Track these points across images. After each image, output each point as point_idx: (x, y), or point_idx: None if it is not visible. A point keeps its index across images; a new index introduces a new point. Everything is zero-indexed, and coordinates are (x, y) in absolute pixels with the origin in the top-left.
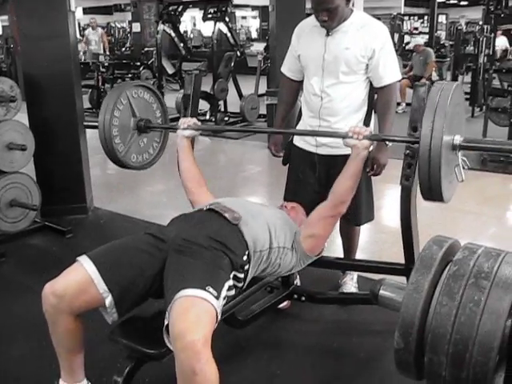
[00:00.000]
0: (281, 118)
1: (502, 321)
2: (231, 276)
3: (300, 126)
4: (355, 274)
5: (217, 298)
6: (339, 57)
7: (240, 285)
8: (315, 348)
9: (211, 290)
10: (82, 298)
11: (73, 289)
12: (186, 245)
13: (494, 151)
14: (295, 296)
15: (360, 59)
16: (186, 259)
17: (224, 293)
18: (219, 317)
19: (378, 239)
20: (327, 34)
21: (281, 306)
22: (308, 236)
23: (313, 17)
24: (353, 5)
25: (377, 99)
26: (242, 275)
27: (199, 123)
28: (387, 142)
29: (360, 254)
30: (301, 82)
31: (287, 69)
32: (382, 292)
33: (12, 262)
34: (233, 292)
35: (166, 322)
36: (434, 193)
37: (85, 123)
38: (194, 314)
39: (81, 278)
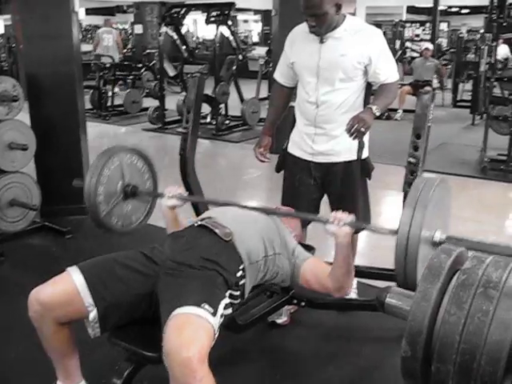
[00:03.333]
0: (270, 123)
1: (510, 331)
2: (227, 295)
3: (294, 134)
4: (355, 280)
5: (213, 314)
6: (335, 64)
7: (237, 302)
8: (314, 353)
9: (207, 307)
10: (67, 308)
11: (58, 299)
12: (178, 268)
13: (477, 250)
14: (295, 301)
15: (356, 65)
16: (179, 281)
17: (221, 311)
18: (216, 334)
19: (378, 245)
20: (321, 41)
21: (280, 322)
22: (305, 280)
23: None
24: (354, 11)
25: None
26: (237, 292)
27: (185, 193)
28: (376, 112)
29: (360, 260)
30: (293, 88)
31: (279, 75)
32: (388, 300)
33: (11, 262)
34: (230, 310)
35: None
36: (410, 288)
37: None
38: (190, 330)
39: (67, 289)
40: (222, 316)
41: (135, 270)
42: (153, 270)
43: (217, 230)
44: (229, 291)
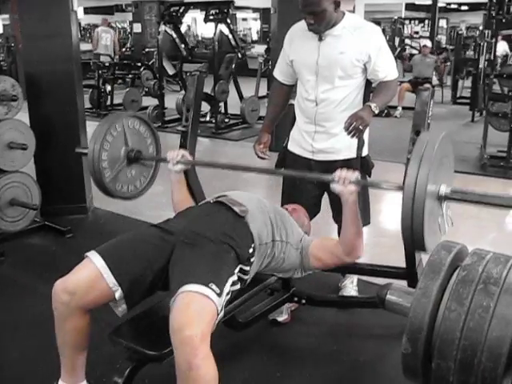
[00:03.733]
0: (269, 120)
1: (511, 327)
2: (236, 270)
3: (294, 131)
4: (355, 278)
5: (219, 295)
6: (334, 62)
7: (246, 277)
8: (315, 351)
9: (214, 287)
10: (93, 293)
11: (84, 285)
12: (193, 237)
13: (481, 203)
14: (295, 299)
15: (355, 63)
16: (192, 253)
17: (227, 289)
18: (221, 314)
19: (378, 243)
20: (320, 39)
21: (281, 320)
22: (317, 258)
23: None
24: (353, 8)
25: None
26: (248, 267)
27: (188, 156)
28: (374, 110)
29: (360, 258)
30: (292, 86)
31: (279, 72)
32: (389, 297)
33: (11, 262)
34: (238, 286)
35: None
36: (416, 244)
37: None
38: (194, 310)
39: (91, 274)
40: (228, 293)
41: (152, 244)
42: (169, 241)
43: (234, 207)
44: (239, 266)
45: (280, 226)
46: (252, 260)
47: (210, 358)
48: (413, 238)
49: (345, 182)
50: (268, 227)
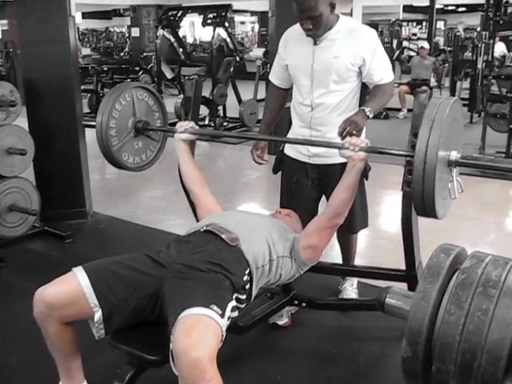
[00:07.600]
0: (266, 125)
1: (510, 329)
2: (233, 297)
3: (290, 135)
4: (355, 280)
5: (221, 316)
6: (328, 66)
7: (243, 306)
8: (315, 354)
9: (216, 308)
10: (72, 308)
11: (63, 298)
12: (185, 270)
13: (491, 169)
14: (295, 302)
15: (350, 67)
16: (186, 283)
17: (228, 313)
18: (224, 336)
19: (378, 245)
20: (314, 43)
21: (281, 323)
22: (306, 247)
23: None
24: (351, 11)
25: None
26: (243, 296)
27: (197, 127)
28: (369, 115)
29: (360, 260)
30: (288, 90)
31: (275, 76)
32: (388, 300)
33: (11, 267)
34: (236, 313)
35: (171, 347)
36: (427, 209)
37: (84, 123)
38: (199, 331)
39: (72, 289)
40: (229, 318)
41: (141, 272)
42: (159, 273)
43: (223, 236)
44: (235, 294)
45: (276, 242)
46: (247, 287)
47: (218, 378)
48: (423, 203)
49: (355, 149)
50: (264, 248)
